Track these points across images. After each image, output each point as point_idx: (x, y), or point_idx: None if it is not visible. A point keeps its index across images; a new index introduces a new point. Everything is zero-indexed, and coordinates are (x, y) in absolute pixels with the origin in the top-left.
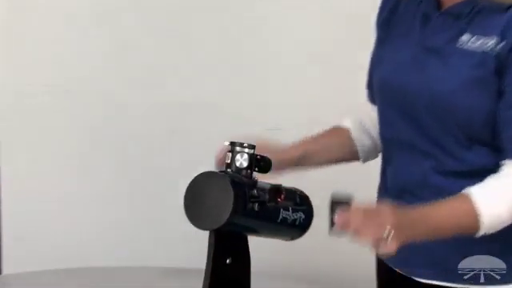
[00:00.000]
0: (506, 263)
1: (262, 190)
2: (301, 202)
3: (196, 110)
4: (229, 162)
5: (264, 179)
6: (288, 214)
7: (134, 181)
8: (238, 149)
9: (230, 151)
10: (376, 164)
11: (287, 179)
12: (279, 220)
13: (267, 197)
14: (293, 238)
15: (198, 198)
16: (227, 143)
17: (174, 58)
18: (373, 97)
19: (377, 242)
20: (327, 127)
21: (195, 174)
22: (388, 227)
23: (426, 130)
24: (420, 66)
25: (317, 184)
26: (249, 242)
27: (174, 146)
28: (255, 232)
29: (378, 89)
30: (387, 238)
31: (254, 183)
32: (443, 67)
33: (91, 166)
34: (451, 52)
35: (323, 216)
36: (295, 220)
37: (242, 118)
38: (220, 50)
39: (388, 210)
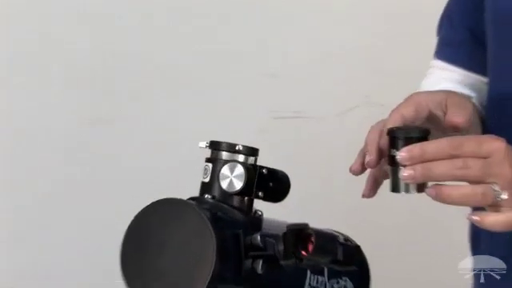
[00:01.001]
0: None
1: (272, 234)
2: (346, 256)
3: (145, 88)
4: (207, 180)
5: (273, 214)
6: (321, 281)
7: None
8: (224, 156)
9: (209, 160)
10: None
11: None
12: None
13: (281, 248)
14: None
15: (147, 252)
16: (203, 144)
17: None
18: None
19: (479, 204)
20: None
21: (142, 201)
22: (501, 182)
23: None
24: None
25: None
26: None
27: (98, 142)
28: None
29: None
30: (497, 201)
31: (257, 222)
32: None
33: None
34: None
35: None
36: None
37: (236, 101)
38: None
39: (503, 148)
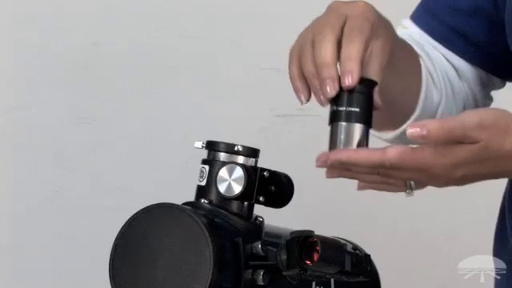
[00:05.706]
0: None
1: (274, 242)
2: (354, 266)
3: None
4: (204, 183)
5: (275, 220)
6: None
7: None
8: (222, 157)
9: (205, 162)
10: None
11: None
12: None
13: (284, 257)
14: None
15: (139, 262)
16: (199, 145)
17: None
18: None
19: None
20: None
21: (133, 206)
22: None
23: None
24: None
25: None
26: None
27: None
28: None
29: None
30: (411, 188)
31: (258, 229)
32: None
33: None
34: None
35: None
36: None
37: (235, 97)
38: None
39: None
